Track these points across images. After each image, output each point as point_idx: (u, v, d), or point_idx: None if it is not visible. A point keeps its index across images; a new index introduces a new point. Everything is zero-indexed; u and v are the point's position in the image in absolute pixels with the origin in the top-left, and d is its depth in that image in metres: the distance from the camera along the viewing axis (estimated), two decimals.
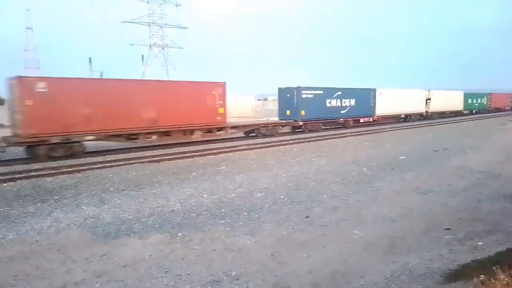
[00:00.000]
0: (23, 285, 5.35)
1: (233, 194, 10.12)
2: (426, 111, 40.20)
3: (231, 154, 17.34)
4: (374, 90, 32.42)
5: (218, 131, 21.47)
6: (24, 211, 8.91)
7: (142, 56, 52.13)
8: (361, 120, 31.88)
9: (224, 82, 21.40)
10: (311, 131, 27.07)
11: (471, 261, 5.32)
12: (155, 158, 15.61)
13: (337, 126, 30.26)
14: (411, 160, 15.13)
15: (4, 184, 11.45)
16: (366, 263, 5.93)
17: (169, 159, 15.60)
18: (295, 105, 26.71)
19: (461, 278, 4.52)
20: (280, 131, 25.78)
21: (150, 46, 52.62)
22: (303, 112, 26.66)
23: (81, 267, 5.92)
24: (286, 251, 6.49)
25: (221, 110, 21.11)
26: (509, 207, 8.66)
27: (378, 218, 8.12)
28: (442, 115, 42.56)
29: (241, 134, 24.06)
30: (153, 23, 51.80)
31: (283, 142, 20.96)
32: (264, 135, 23.91)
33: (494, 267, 3.52)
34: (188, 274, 5.66)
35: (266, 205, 9.12)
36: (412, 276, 5.27)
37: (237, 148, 18.69)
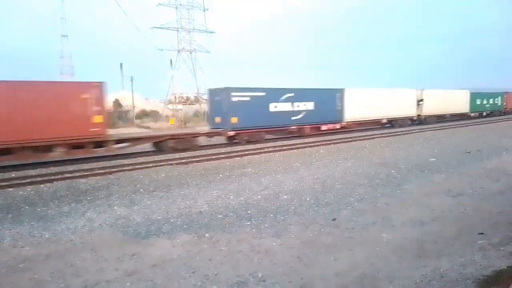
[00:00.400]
0: (59, 283, 5.60)
1: (259, 196, 10.17)
2: (418, 115, 34.44)
3: (256, 156, 17.43)
4: (342, 90, 27.22)
5: (96, 146, 16.70)
6: (59, 211, 9.31)
7: (171, 60, 53.21)
8: (323, 128, 26.25)
9: (102, 82, 16.40)
10: (250, 142, 21.89)
11: (507, 267, 5.13)
12: (183, 161, 15.91)
13: (288, 136, 24.73)
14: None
15: (41, 185, 12.00)
16: (395, 267, 5.82)
17: (197, 161, 15.86)
18: (224, 110, 21.64)
19: (495, 285, 4.38)
20: (211, 143, 21.89)
21: (179, 51, 53.55)
22: (234, 119, 21.40)
23: (112, 266, 6.13)
24: (312, 253, 6.46)
25: (97, 119, 16.13)
26: None
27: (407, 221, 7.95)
28: (440, 118, 37.13)
29: (143, 149, 19.34)
30: (181, 28, 52.76)
31: (310, 144, 20.84)
32: (175, 150, 18.85)
33: None
34: (215, 274, 5.75)
35: (292, 207, 9.11)
36: (444, 281, 5.14)
37: (263, 150, 18.75)
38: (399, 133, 26.11)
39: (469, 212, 8.49)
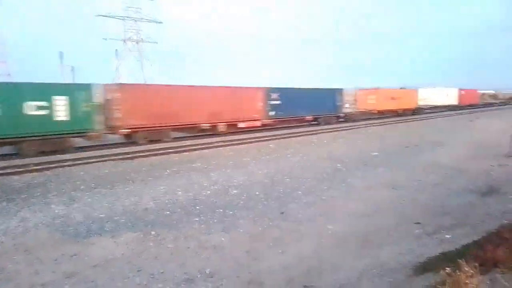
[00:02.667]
0: None
1: (208, 191, 10.05)
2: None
3: (206, 151, 17.22)
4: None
5: None
6: None
7: (116, 50, 50.96)
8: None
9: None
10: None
11: (439, 253, 5.49)
12: (129, 155, 15.29)
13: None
14: None
15: None
16: (339, 258, 6.03)
17: (143, 156, 15.32)
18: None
19: (429, 271, 4.66)
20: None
21: (124, 41, 51.43)
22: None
23: (49, 268, 5.73)
24: (261, 247, 6.50)
25: None
26: (475, 201, 9.01)
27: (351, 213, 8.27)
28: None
29: None
30: (127, 17, 50.66)
31: (260, 139, 20.97)
32: None
33: (459, 260, 3.64)
34: (161, 272, 5.59)
35: (241, 202, 9.11)
36: (384, 269, 5.40)
37: (212, 145, 18.56)
38: (344, 129, 27.12)
39: (408, 203, 9.02)
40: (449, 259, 4.57)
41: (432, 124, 31.88)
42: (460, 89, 51.77)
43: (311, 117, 29.38)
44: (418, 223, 7.55)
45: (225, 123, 22.96)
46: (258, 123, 24.98)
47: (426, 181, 11.10)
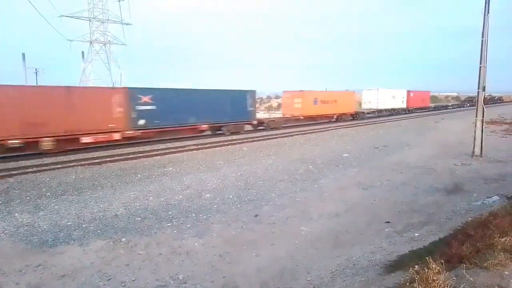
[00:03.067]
0: None
1: (181, 196, 9.90)
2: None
3: (178, 154, 16.98)
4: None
5: None
6: None
7: (83, 52, 49.40)
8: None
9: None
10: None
11: (409, 251, 5.66)
12: (97, 160, 14.85)
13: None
14: None
15: None
16: (312, 259, 6.08)
17: (112, 161, 14.92)
18: None
19: (399, 269, 4.78)
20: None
21: (91, 42, 49.93)
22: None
23: (13, 280, 5.46)
24: (234, 251, 6.47)
25: None
26: (441, 199, 9.35)
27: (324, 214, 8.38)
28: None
29: None
30: (93, 18, 49.24)
31: (232, 142, 20.91)
32: None
33: (427, 257, 3.75)
34: (133, 280, 5.44)
35: (215, 206, 9.03)
36: (356, 269, 5.49)
37: (184, 149, 18.34)
38: (316, 131, 27.51)
39: (378, 203, 9.24)
40: (418, 257, 4.71)
41: (400, 125, 32.70)
42: (409, 91, 47.87)
43: (207, 125, 23.53)
44: (388, 222, 7.75)
45: (53, 138, 16.13)
46: (116, 136, 18.58)
47: (395, 181, 11.42)
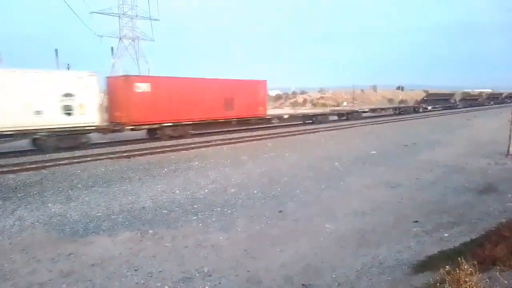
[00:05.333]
0: None
1: (206, 190, 10.02)
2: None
3: (204, 149, 17.17)
4: None
5: None
6: None
7: (112, 48, 50.67)
8: None
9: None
10: None
11: (438, 252, 5.49)
12: (125, 154, 15.22)
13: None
14: None
15: None
16: (337, 256, 6.02)
17: (140, 155, 15.25)
18: None
19: (428, 269, 4.65)
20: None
21: (120, 38, 51.14)
22: None
23: (46, 267, 5.69)
24: (259, 246, 6.48)
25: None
26: (472, 199, 9.02)
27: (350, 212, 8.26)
28: None
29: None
30: (123, 14, 50.35)
31: (257, 137, 20.95)
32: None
33: (458, 258, 3.63)
34: (159, 271, 5.56)
35: (240, 201, 9.08)
36: (382, 268, 5.39)
37: (210, 144, 18.51)
38: (342, 127, 27.14)
39: (406, 202, 9.02)
40: (448, 257, 4.57)
41: (426, 122, 31.64)
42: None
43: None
44: (416, 221, 7.55)
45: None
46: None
47: (424, 180, 11.11)
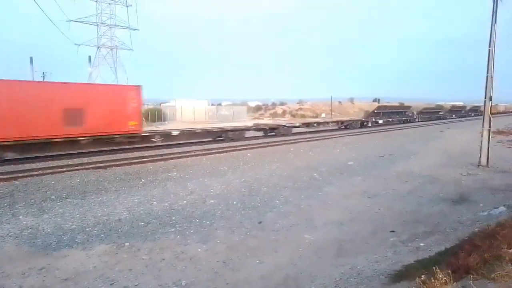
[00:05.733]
0: None
1: (185, 201, 9.89)
2: None
3: (183, 159, 17.00)
4: None
5: None
6: None
7: (90, 57, 49.92)
8: None
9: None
10: None
11: (414, 261, 5.58)
12: (101, 164, 14.90)
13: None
14: None
15: None
16: (316, 267, 6.03)
17: (117, 165, 14.95)
18: None
19: (404, 279, 4.71)
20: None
21: (98, 47, 50.51)
22: None
23: (16, 282, 5.46)
24: (238, 257, 6.43)
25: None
26: (446, 209, 9.26)
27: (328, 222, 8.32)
28: None
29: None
30: (101, 23, 49.81)
31: (237, 148, 20.92)
32: None
33: (433, 267, 3.71)
34: (136, 285, 5.42)
35: (219, 212, 9.01)
36: (360, 278, 5.43)
37: (189, 154, 18.36)
38: (321, 138, 27.46)
39: (383, 211, 9.16)
40: (424, 266, 4.65)
41: (405, 133, 32.40)
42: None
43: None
44: (393, 231, 7.67)
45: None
46: None
47: (400, 190, 11.33)
